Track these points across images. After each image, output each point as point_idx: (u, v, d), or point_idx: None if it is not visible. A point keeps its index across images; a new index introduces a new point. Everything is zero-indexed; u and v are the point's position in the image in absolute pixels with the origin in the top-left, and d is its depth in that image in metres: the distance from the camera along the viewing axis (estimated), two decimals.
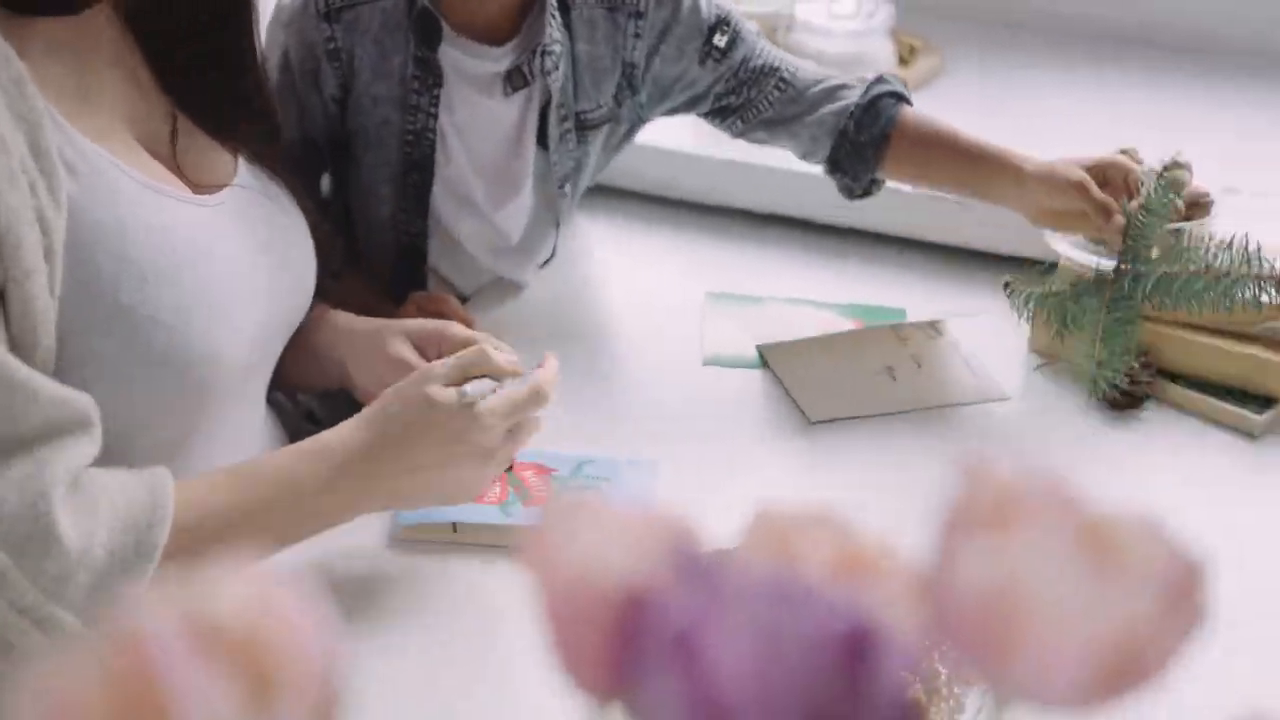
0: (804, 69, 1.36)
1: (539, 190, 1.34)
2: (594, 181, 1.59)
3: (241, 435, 1.04)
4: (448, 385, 0.96)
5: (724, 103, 1.34)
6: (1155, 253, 1.29)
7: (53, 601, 0.79)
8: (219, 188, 1.00)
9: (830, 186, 1.39)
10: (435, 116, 1.25)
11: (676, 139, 1.58)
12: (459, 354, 1.00)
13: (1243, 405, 1.25)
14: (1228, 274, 1.22)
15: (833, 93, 1.34)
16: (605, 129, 1.35)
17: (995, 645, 0.38)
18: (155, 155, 0.97)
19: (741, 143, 1.40)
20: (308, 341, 1.12)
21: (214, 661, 0.32)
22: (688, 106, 1.36)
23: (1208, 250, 1.24)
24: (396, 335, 1.09)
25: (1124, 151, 1.34)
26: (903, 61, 1.77)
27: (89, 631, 0.78)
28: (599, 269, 1.52)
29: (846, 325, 1.39)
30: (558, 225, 1.39)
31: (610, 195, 1.61)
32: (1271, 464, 1.21)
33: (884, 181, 1.37)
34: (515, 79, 1.26)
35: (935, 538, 0.40)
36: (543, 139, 1.30)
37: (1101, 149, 1.34)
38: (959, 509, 0.40)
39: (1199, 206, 1.30)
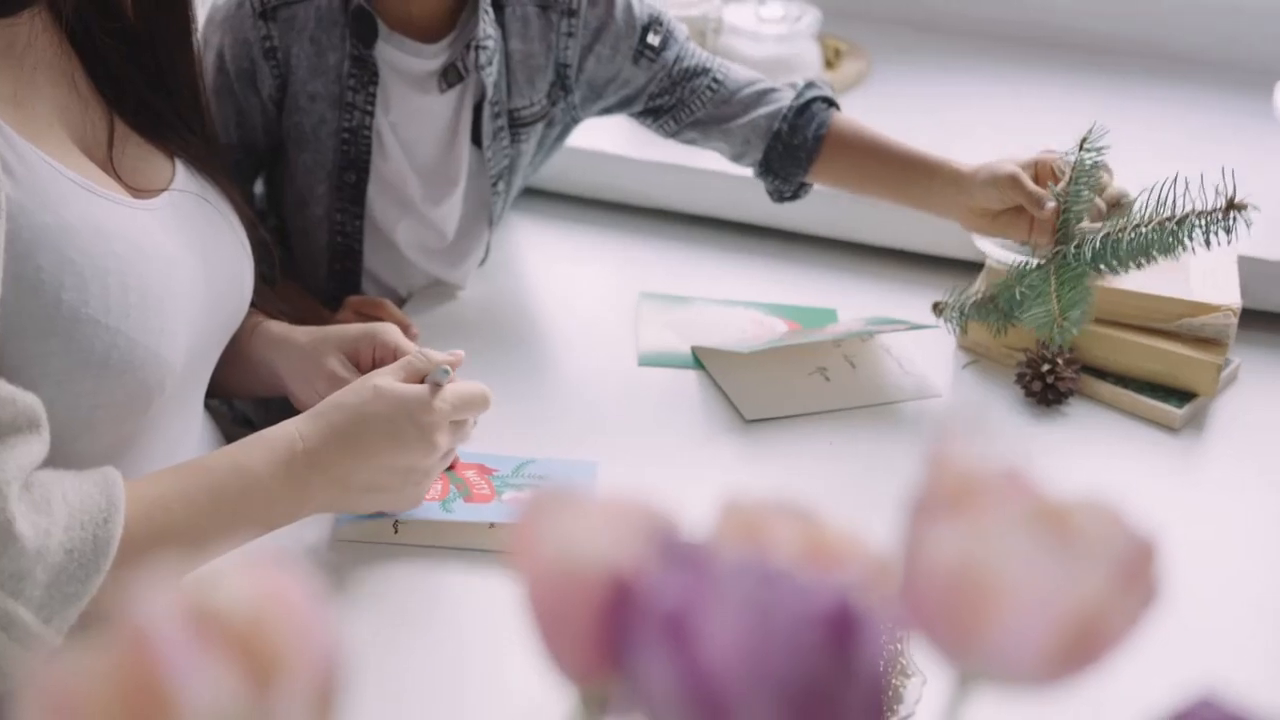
0: (735, 70, 1.38)
1: (473, 189, 1.35)
2: (528, 184, 1.60)
3: (180, 440, 1.04)
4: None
5: (657, 103, 1.36)
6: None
7: (11, 599, 0.78)
8: (157, 192, 1.00)
9: (761, 188, 1.41)
10: (371, 114, 1.26)
11: (610, 142, 1.59)
12: (403, 358, 1.02)
13: (1164, 400, 1.29)
14: (1172, 217, 1.25)
15: (764, 95, 1.36)
16: (539, 127, 1.36)
17: (961, 624, 0.40)
18: (92, 159, 0.97)
19: (673, 145, 1.42)
20: (243, 350, 1.12)
21: (216, 651, 0.33)
22: (621, 106, 1.38)
23: (1145, 206, 1.27)
24: (330, 350, 1.09)
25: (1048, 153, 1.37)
26: (829, 65, 1.79)
27: (46, 629, 0.78)
28: (534, 271, 1.53)
29: (779, 325, 1.42)
30: (491, 224, 1.40)
31: (544, 198, 1.62)
32: (1192, 456, 1.25)
33: (811, 186, 1.39)
34: (450, 75, 1.27)
35: (902, 522, 0.41)
36: (477, 137, 1.31)
37: (1026, 151, 1.38)
38: (924, 494, 0.42)
39: (1120, 206, 1.34)
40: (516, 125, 1.33)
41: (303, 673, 0.34)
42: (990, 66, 1.89)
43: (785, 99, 1.35)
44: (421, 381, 1.00)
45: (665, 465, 1.19)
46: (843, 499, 1.11)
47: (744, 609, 0.33)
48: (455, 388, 0.99)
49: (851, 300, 1.46)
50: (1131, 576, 0.40)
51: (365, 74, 1.24)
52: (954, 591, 0.40)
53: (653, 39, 1.33)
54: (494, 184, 1.35)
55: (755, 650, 0.33)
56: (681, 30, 1.36)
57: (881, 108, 1.76)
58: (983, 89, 1.83)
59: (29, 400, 0.83)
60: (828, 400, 1.30)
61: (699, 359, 1.34)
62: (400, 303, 1.37)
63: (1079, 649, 0.40)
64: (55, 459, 0.91)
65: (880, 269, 1.52)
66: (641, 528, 0.40)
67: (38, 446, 0.84)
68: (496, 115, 1.31)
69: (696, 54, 1.36)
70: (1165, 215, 1.25)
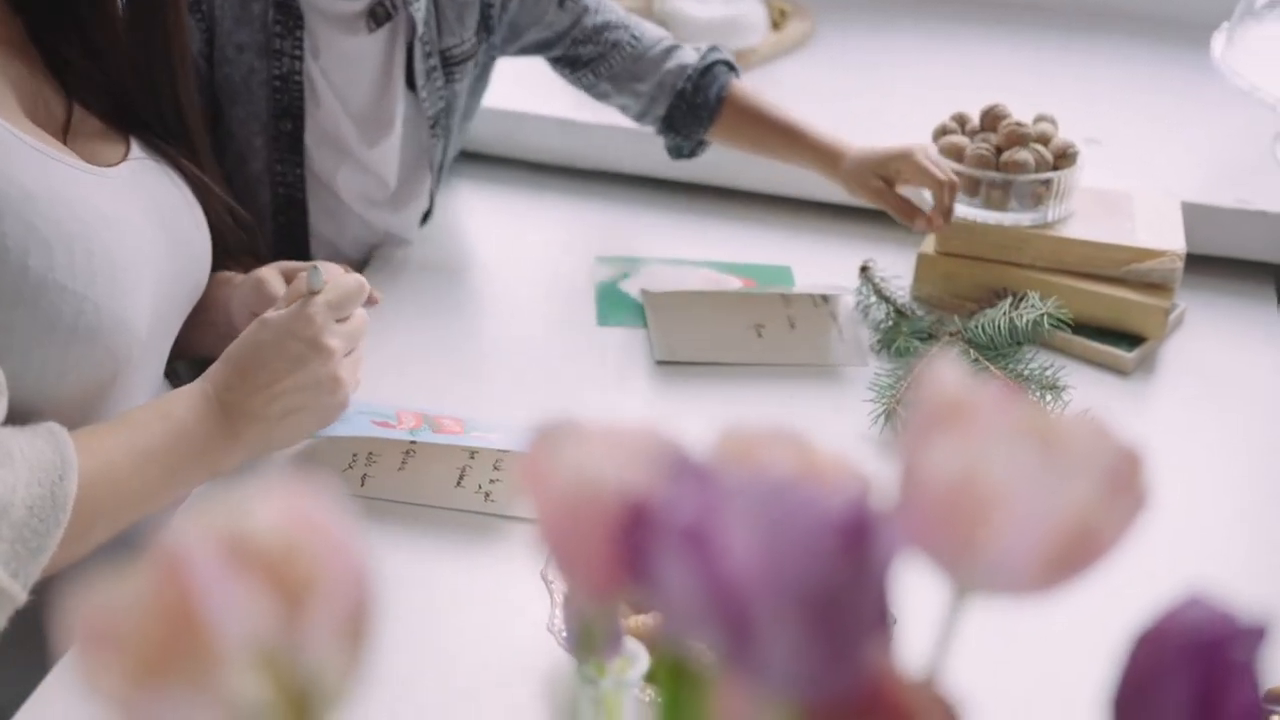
0: (646, 27, 1.42)
1: (410, 134, 1.35)
2: (479, 149, 1.60)
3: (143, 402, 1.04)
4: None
5: (578, 51, 1.39)
6: (1013, 204, 1.36)
7: None
8: (114, 164, 1.00)
9: (716, 150, 1.42)
10: (300, 59, 1.26)
11: (561, 106, 1.59)
12: (276, 264, 1.07)
13: (1115, 344, 1.32)
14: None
15: (671, 52, 1.41)
16: (470, 66, 1.37)
17: (958, 537, 0.41)
18: (47, 132, 0.96)
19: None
20: (202, 303, 1.12)
21: (248, 577, 0.34)
22: (539, 48, 1.40)
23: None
24: (270, 270, 1.10)
25: (991, 111, 1.39)
26: (774, 25, 1.80)
27: (14, 584, 0.78)
28: (489, 236, 1.53)
29: (734, 283, 1.43)
30: (432, 170, 1.40)
31: (496, 164, 1.63)
32: (1144, 398, 1.28)
33: (708, 144, 1.44)
34: (378, 14, 1.27)
35: (901, 439, 0.42)
36: (410, 80, 1.32)
37: (969, 106, 1.40)
38: (918, 415, 0.43)
39: (1066, 157, 1.36)
40: (449, 64, 1.34)
41: (334, 598, 0.34)
42: (932, 25, 1.91)
43: (690, 58, 1.41)
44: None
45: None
46: None
47: (760, 519, 0.35)
48: (329, 288, 1.01)
49: (807, 258, 1.47)
50: (1120, 485, 0.42)
51: (290, 19, 1.24)
52: (951, 505, 0.41)
53: None
54: (431, 127, 1.35)
55: (773, 558, 0.34)
56: None
57: (826, 67, 1.78)
58: (925, 49, 1.85)
59: None
60: (750, 354, 1.30)
61: (644, 304, 1.36)
62: (358, 268, 1.37)
63: (1072, 557, 0.41)
64: (34, 421, 0.91)
65: (835, 226, 1.53)
66: (647, 451, 0.41)
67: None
68: (428, 55, 1.31)
69: (614, 8, 1.41)
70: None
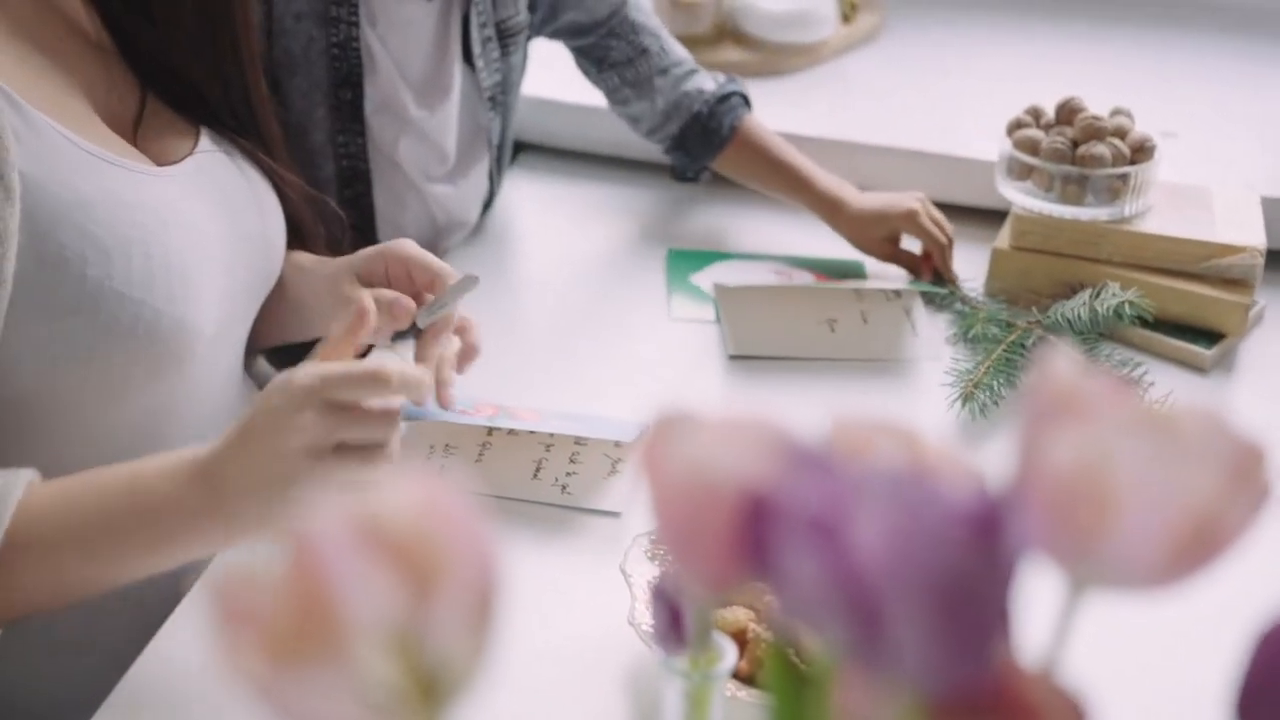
0: (675, 44, 1.45)
1: (467, 109, 1.36)
2: (550, 142, 1.60)
3: (218, 404, 1.04)
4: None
5: (608, 45, 1.41)
6: (1089, 198, 1.34)
7: None
8: (181, 159, 0.99)
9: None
10: (356, 25, 1.27)
11: None
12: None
13: (1193, 341, 1.30)
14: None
15: (691, 75, 1.44)
16: (523, 40, 1.38)
17: (1080, 529, 0.41)
18: (115, 127, 0.96)
19: None
20: (277, 289, 1.09)
21: (379, 562, 0.34)
22: (572, 33, 1.42)
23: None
24: (344, 274, 1.03)
25: (1029, 110, 1.38)
26: (845, 18, 1.80)
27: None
28: (555, 230, 1.53)
29: (805, 277, 1.42)
30: (490, 148, 1.41)
31: (565, 157, 1.63)
32: (1223, 396, 1.26)
33: (710, 171, 1.48)
34: None
35: (1018, 430, 0.42)
36: (467, 56, 1.33)
37: (1043, 100, 1.39)
38: (1034, 406, 0.43)
39: (1143, 151, 1.35)
40: (504, 36, 1.35)
41: (463, 584, 0.35)
42: (1002, 17, 1.89)
43: (709, 84, 1.44)
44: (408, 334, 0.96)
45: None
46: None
47: (889, 511, 0.34)
48: (324, 364, 0.80)
49: None
50: (1242, 478, 0.41)
51: None
52: (1071, 497, 0.41)
53: None
54: (490, 100, 1.36)
55: (904, 549, 0.34)
56: None
57: (896, 61, 1.77)
58: (996, 41, 1.83)
59: None
60: (823, 349, 1.30)
61: (717, 298, 1.36)
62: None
63: (1194, 551, 0.41)
64: (91, 430, 0.92)
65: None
66: (765, 441, 0.41)
67: None
68: (484, 25, 1.32)
69: (650, 12, 1.43)
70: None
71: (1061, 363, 0.44)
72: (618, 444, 1.10)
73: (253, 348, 1.12)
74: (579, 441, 1.11)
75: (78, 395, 0.90)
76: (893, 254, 1.40)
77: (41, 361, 0.87)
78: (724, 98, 1.43)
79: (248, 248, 1.03)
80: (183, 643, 0.92)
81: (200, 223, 0.97)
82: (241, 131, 1.06)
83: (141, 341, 0.90)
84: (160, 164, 0.97)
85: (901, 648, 0.35)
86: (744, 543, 0.38)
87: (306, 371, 0.78)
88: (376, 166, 1.34)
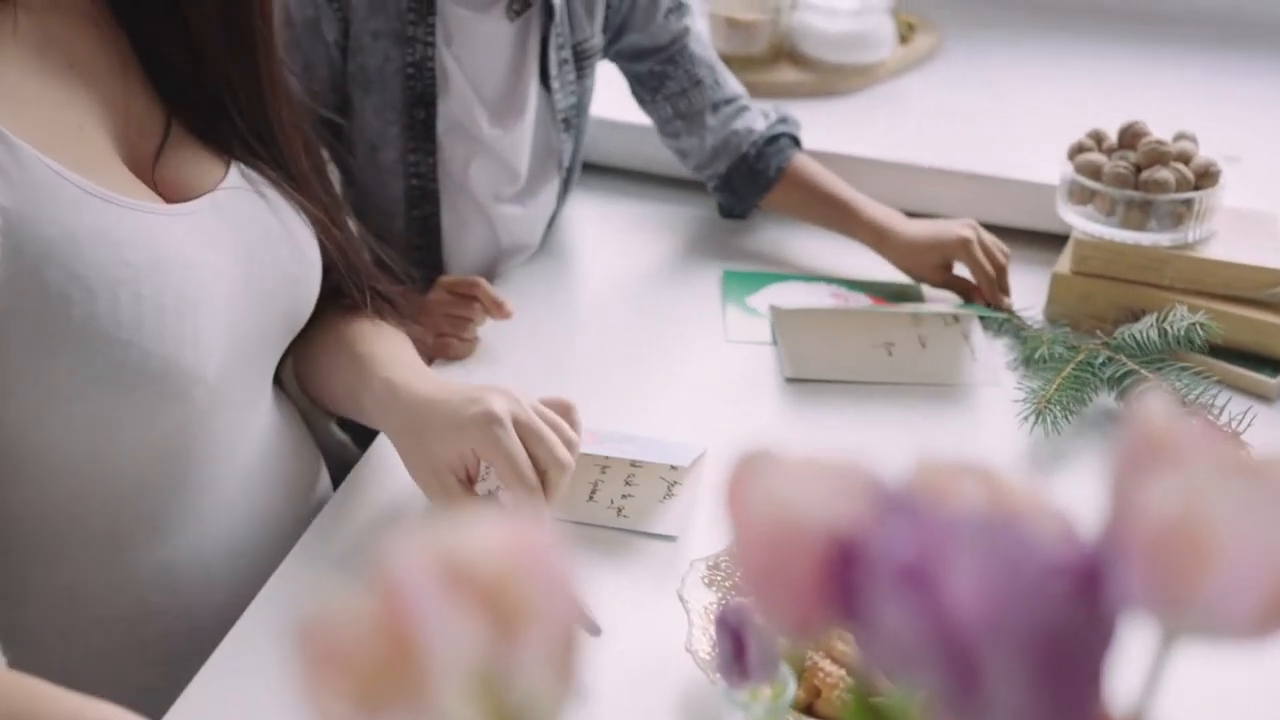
0: (730, 78, 1.45)
1: (540, 130, 1.36)
2: (606, 161, 1.60)
3: (238, 442, 1.00)
4: None
5: (665, 73, 1.41)
6: (1152, 224, 1.32)
7: None
8: (198, 195, 0.95)
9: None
10: (433, 45, 1.27)
11: None
12: None
13: (1258, 370, 1.28)
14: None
15: (742, 113, 1.44)
16: (596, 62, 1.38)
17: (1176, 577, 0.40)
18: (131, 158, 0.93)
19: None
20: (356, 391, 1.05)
21: (464, 602, 0.33)
22: (632, 57, 1.41)
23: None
24: (434, 442, 0.99)
25: (1093, 134, 1.36)
26: (902, 39, 1.79)
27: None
28: (610, 249, 1.53)
29: (862, 300, 1.41)
30: (560, 171, 1.41)
31: (621, 176, 1.63)
32: None
33: (756, 209, 1.48)
34: (515, 3, 1.28)
35: (1110, 475, 0.41)
36: (544, 73, 1.33)
37: (1102, 123, 1.37)
38: (1127, 450, 0.42)
39: (1207, 176, 1.33)
40: (580, 59, 1.35)
41: (548, 626, 0.34)
42: (1062, 39, 1.87)
43: (759, 124, 1.44)
44: None
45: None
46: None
47: (986, 559, 0.33)
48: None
49: None
50: None
51: (423, 6, 1.26)
52: (1168, 546, 0.39)
53: None
54: (563, 122, 1.36)
55: (1002, 598, 0.33)
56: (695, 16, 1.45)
57: (953, 82, 1.75)
58: (1056, 63, 1.81)
59: None
60: (881, 373, 1.29)
61: (774, 320, 1.35)
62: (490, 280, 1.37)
63: None
64: (83, 465, 0.89)
65: None
66: (849, 482, 0.40)
67: None
68: (561, 47, 1.32)
69: (709, 44, 1.44)
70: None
71: (1155, 405, 0.43)
72: (674, 467, 1.09)
73: (322, 406, 1.11)
74: (635, 464, 1.10)
75: (65, 433, 0.88)
76: (946, 280, 1.39)
77: (29, 396, 0.85)
78: (773, 139, 1.43)
79: (267, 288, 0.98)
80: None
81: (206, 261, 0.92)
82: (268, 162, 1.01)
83: (127, 385, 0.87)
84: (179, 198, 0.94)
85: (996, 701, 0.34)
86: (829, 587, 0.37)
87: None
88: (445, 187, 1.34)
